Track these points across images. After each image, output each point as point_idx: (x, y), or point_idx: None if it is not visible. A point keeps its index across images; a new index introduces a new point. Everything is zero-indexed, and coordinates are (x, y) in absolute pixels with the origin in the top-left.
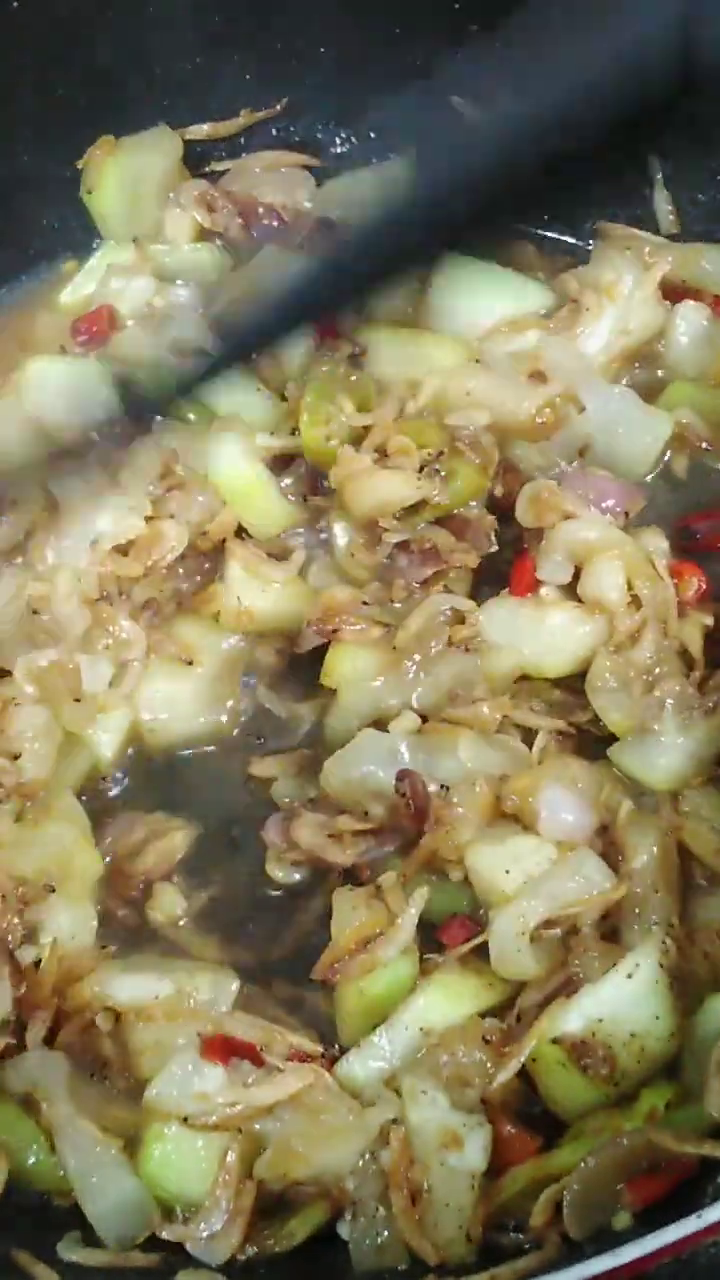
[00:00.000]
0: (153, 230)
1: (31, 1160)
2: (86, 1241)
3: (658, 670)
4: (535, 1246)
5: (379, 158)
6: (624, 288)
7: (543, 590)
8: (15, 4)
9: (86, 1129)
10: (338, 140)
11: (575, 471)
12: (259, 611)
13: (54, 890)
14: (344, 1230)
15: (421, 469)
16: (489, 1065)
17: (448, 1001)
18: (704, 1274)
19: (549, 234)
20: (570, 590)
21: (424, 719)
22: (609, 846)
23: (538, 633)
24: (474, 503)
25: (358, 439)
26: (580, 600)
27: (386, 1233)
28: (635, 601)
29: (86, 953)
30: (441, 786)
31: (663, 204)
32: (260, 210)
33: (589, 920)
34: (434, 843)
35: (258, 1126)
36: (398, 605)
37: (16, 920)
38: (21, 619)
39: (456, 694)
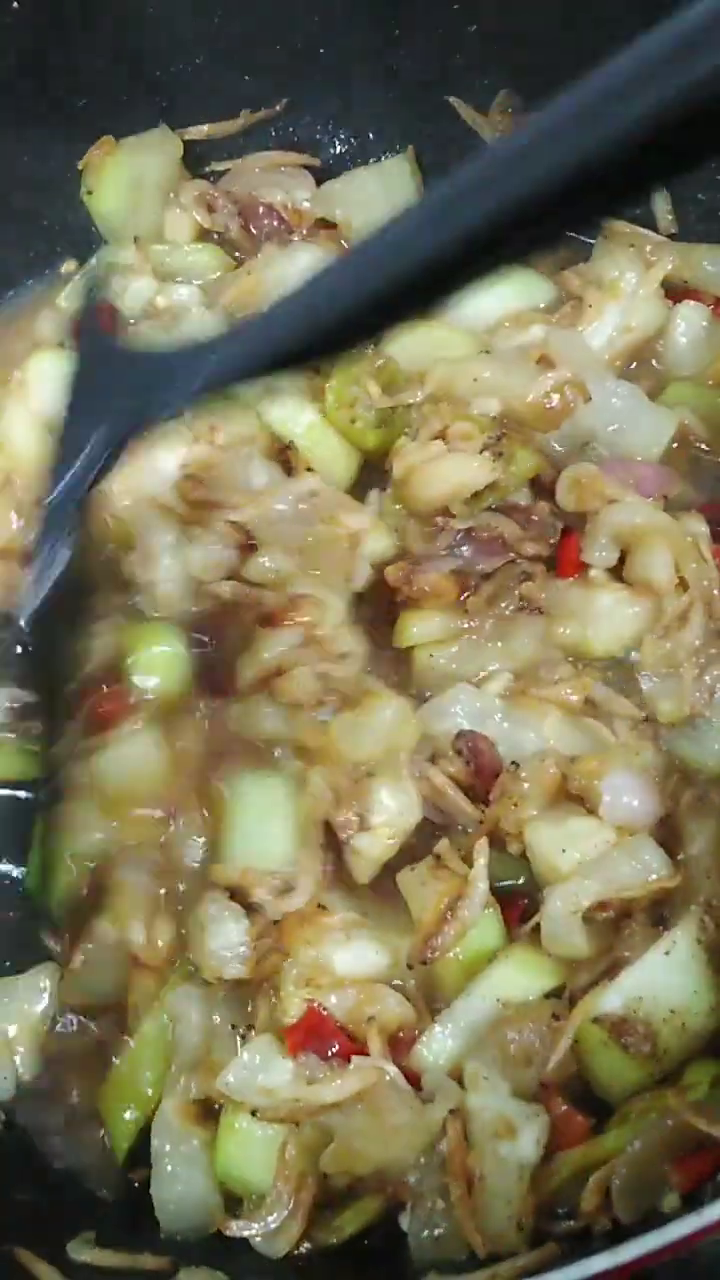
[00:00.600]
0: (153, 231)
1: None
2: (99, 1242)
3: (707, 655)
4: (585, 1233)
5: (378, 157)
6: (626, 285)
7: (591, 573)
8: (15, 4)
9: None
10: (337, 141)
11: (611, 457)
12: None
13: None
14: (404, 1222)
15: (482, 452)
16: (551, 1044)
17: (523, 974)
18: (704, 1273)
19: None
20: (615, 573)
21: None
22: (668, 834)
23: (587, 612)
24: (524, 489)
25: (384, 421)
26: (626, 583)
27: (445, 1224)
28: (682, 584)
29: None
30: (512, 763)
31: (661, 204)
32: (260, 210)
33: (641, 905)
34: (498, 813)
35: (322, 1120)
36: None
37: (354, 816)
38: None
39: (539, 671)
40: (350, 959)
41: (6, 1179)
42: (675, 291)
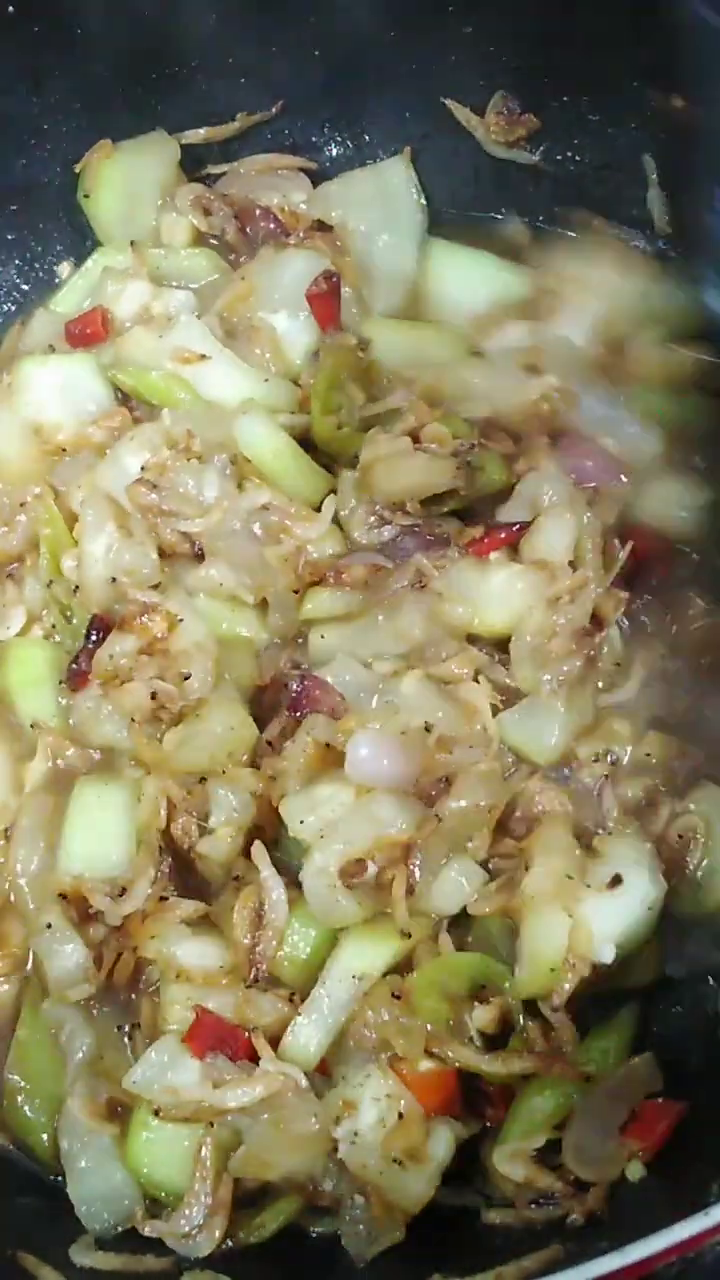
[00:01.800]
0: (149, 234)
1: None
2: (100, 1245)
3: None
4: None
5: (374, 159)
6: (600, 277)
7: (490, 555)
8: (11, 8)
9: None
10: (334, 143)
11: (582, 435)
12: None
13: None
14: (337, 1226)
15: (454, 456)
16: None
17: (370, 944)
18: (710, 1272)
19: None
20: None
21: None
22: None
23: (480, 591)
24: None
25: (369, 427)
26: (521, 561)
27: (368, 1212)
28: (574, 565)
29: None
30: (266, 742)
31: (656, 202)
32: (256, 213)
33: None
34: (267, 791)
35: (230, 1119)
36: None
37: (194, 824)
38: None
39: (425, 651)
40: (195, 952)
41: (7, 1186)
42: None
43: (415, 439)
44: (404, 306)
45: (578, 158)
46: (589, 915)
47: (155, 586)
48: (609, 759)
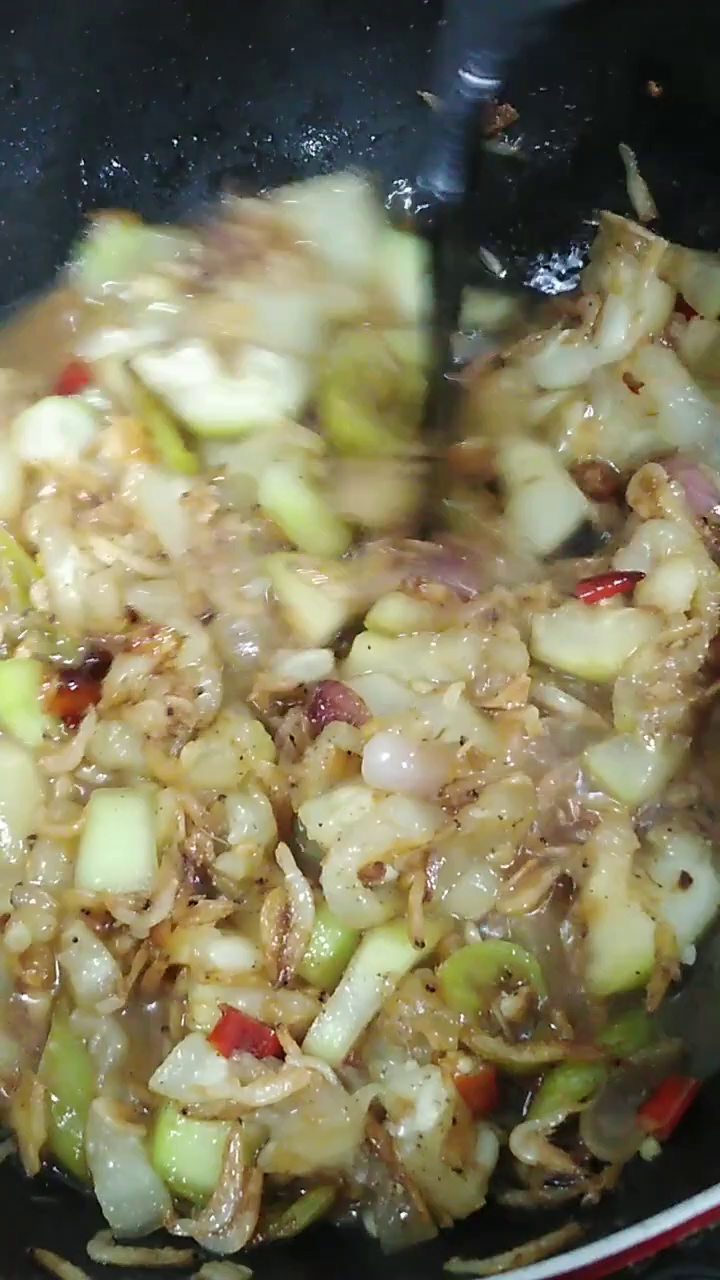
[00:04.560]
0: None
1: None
2: (118, 1240)
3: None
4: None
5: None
6: (625, 277)
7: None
8: None
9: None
10: (309, 138)
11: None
12: None
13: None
14: (369, 1221)
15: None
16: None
17: (393, 944)
18: None
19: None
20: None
21: None
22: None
23: (589, 635)
24: None
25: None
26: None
27: (407, 1209)
28: (690, 613)
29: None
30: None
31: (639, 191)
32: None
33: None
34: (288, 800)
35: (259, 1117)
36: None
37: (210, 840)
38: None
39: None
40: (225, 953)
41: (24, 1185)
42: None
43: None
44: (369, 307)
45: (556, 147)
46: (669, 917)
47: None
48: (704, 809)
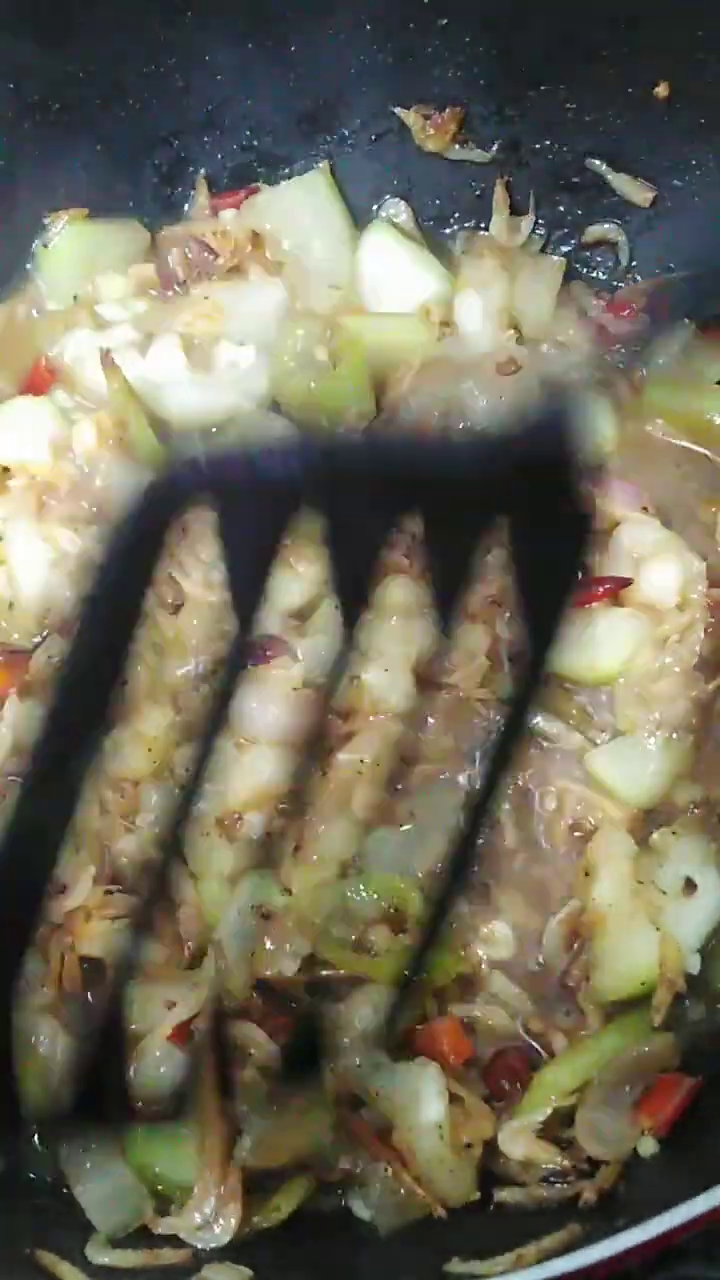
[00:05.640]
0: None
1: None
2: (115, 1243)
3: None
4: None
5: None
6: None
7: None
8: None
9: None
10: (293, 145)
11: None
12: None
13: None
14: (357, 1205)
15: None
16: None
17: None
18: None
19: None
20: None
21: None
22: None
23: (585, 638)
24: None
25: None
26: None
27: (399, 1191)
28: (681, 606)
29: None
30: None
31: (623, 185)
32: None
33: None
34: None
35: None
36: None
37: (122, 825)
38: None
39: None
40: (138, 946)
41: (21, 1188)
42: None
43: None
44: (346, 308)
45: (541, 150)
46: (673, 926)
47: None
48: (709, 808)
